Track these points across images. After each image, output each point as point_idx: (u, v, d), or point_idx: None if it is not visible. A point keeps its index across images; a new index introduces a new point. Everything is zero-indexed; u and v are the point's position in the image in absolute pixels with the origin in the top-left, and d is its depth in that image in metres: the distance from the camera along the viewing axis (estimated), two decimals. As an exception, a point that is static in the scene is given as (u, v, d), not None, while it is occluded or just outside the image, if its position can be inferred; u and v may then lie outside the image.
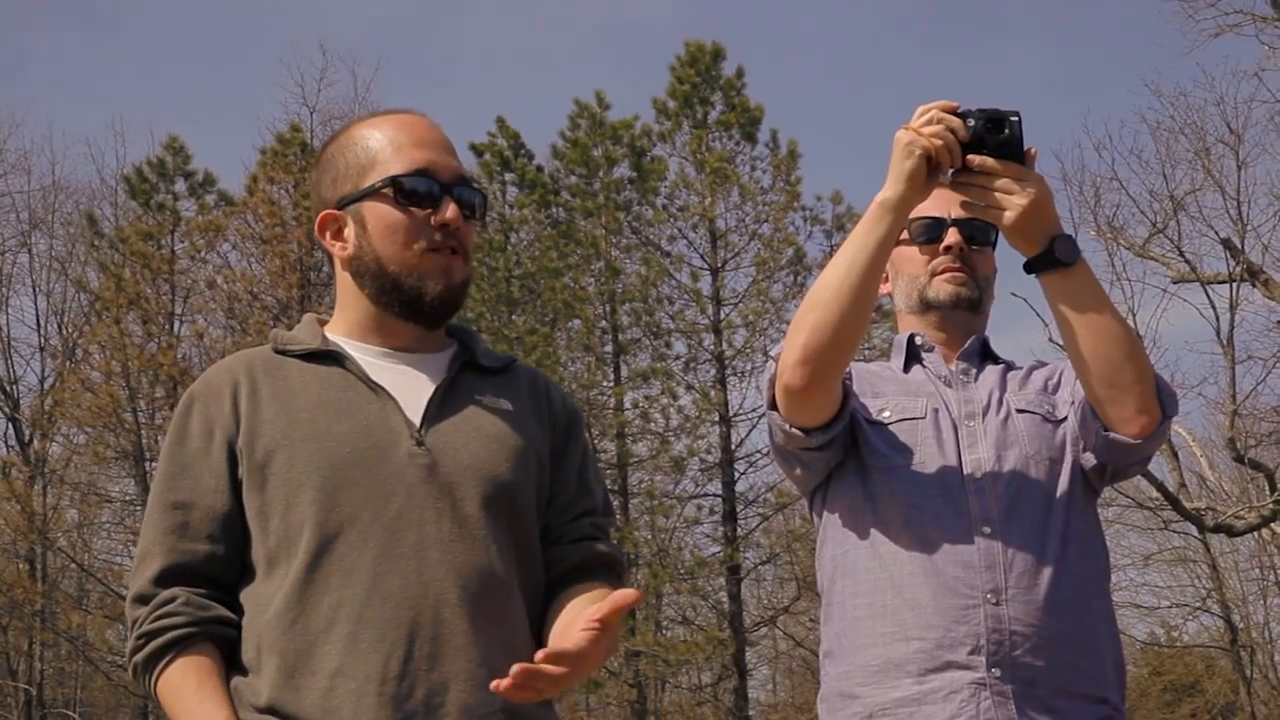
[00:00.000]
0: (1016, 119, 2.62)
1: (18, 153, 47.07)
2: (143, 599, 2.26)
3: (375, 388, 2.33)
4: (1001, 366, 3.03)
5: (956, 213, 2.94)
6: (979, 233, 3.00)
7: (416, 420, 2.32)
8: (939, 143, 2.61)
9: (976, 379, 2.97)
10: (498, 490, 2.31)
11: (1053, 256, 2.66)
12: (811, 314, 2.68)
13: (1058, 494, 2.82)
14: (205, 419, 2.33)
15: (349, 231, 2.40)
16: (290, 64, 42.59)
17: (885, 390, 2.96)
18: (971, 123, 2.62)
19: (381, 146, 2.40)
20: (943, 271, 3.00)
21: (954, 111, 2.64)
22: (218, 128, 52.64)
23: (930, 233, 3.01)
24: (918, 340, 3.03)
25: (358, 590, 2.19)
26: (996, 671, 2.68)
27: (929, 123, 2.63)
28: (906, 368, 3.02)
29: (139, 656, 2.24)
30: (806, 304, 2.70)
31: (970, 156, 2.63)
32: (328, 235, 2.43)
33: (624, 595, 2.05)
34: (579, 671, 2.09)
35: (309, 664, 2.17)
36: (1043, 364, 3.08)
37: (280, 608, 2.20)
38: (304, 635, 2.18)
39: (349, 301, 2.44)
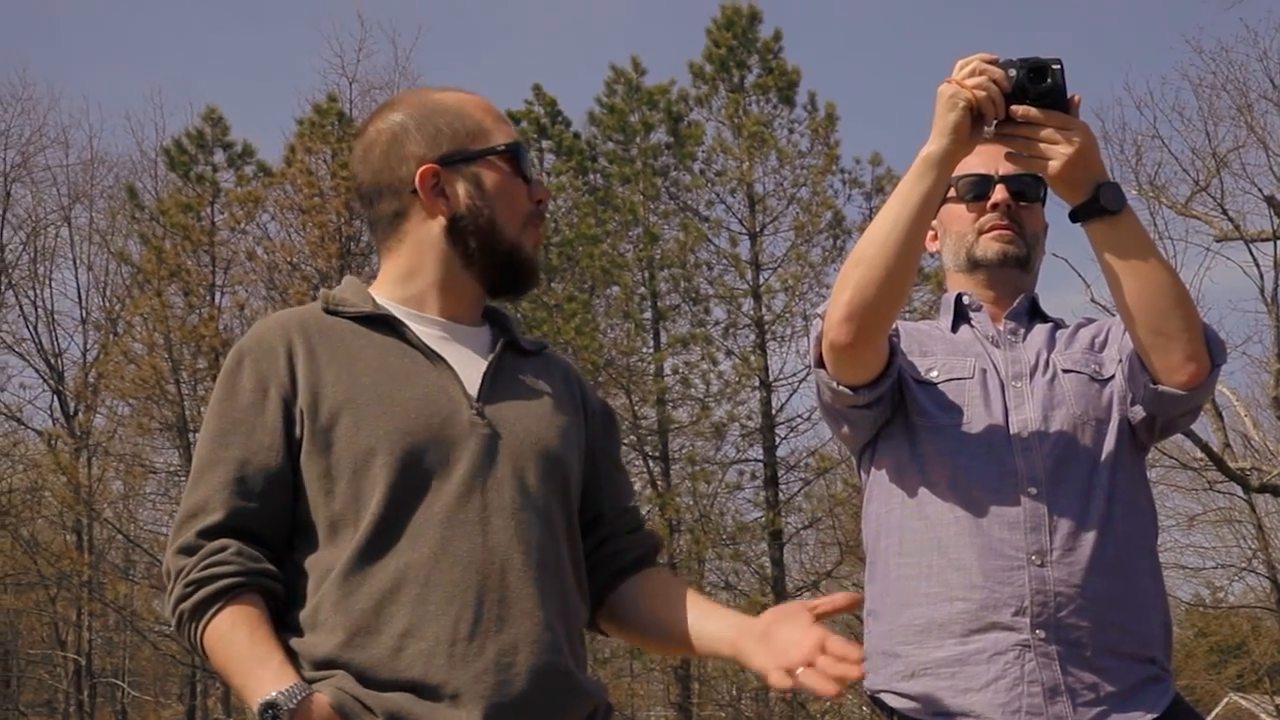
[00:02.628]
0: (1058, 67, 2.60)
1: (57, 127, 47.46)
2: (189, 550, 2.25)
3: (433, 356, 2.35)
4: (1050, 325, 3.00)
5: (1005, 169, 2.91)
6: (1028, 189, 2.97)
7: (474, 392, 2.34)
8: (982, 94, 2.59)
9: (1024, 339, 2.95)
10: (552, 464, 2.35)
11: (1098, 205, 2.63)
12: (856, 270, 2.66)
13: (1104, 455, 2.81)
14: (258, 375, 2.32)
15: (458, 189, 2.42)
16: (329, 34, 42.69)
17: (933, 350, 2.95)
18: (1013, 73, 2.60)
19: (483, 117, 2.46)
20: (990, 229, 2.97)
21: (995, 62, 2.62)
22: (256, 99, 52.81)
23: (977, 189, 2.98)
24: (965, 300, 3.01)
25: (424, 553, 2.21)
26: (1041, 633, 2.68)
27: (971, 74, 2.61)
28: (954, 327, 3.00)
29: (186, 604, 2.22)
30: (851, 260, 2.69)
31: (1014, 107, 2.61)
32: (427, 190, 2.42)
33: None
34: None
35: (375, 624, 2.18)
36: (1090, 320, 3.06)
37: (346, 569, 2.21)
38: (369, 597, 2.19)
39: (425, 262, 2.44)
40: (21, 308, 31.12)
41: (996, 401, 2.84)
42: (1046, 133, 2.61)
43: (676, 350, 24.45)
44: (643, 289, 24.95)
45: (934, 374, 2.89)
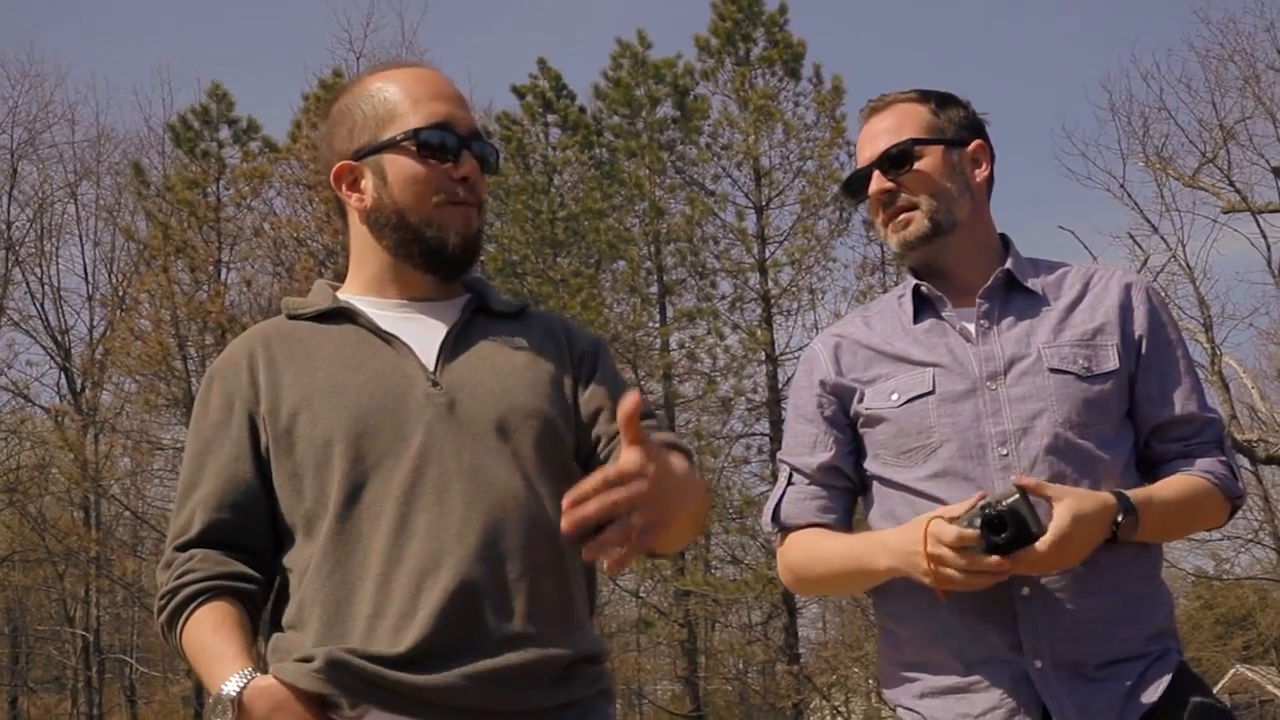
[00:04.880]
0: (1010, 505, 2.48)
1: (64, 104, 47.42)
2: (166, 565, 2.32)
3: (388, 338, 2.35)
4: (1032, 299, 2.81)
5: (875, 148, 2.83)
6: (900, 154, 2.82)
7: (430, 364, 2.34)
8: (952, 579, 2.53)
9: (999, 323, 2.77)
10: (517, 418, 2.32)
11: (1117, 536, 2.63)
12: (791, 576, 2.90)
13: (1095, 464, 2.67)
14: (224, 393, 2.37)
15: (367, 183, 2.41)
16: (337, 9, 42.48)
17: (889, 364, 2.80)
18: (977, 523, 2.49)
19: (399, 99, 2.41)
20: (885, 223, 2.85)
21: (956, 519, 2.52)
22: (266, 74, 52.77)
23: (859, 189, 2.87)
24: (924, 290, 2.84)
25: (384, 533, 2.21)
26: (1038, 662, 2.60)
27: (940, 562, 2.52)
28: (917, 317, 2.84)
29: (163, 616, 2.30)
30: (787, 564, 2.89)
31: (988, 561, 2.49)
32: (344, 187, 2.43)
33: (628, 399, 1.95)
34: (648, 496, 1.96)
35: (349, 611, 2.20)
36: (1085, 280, 2.86)
37: (318, 561, 2.23)
38: (341, 585, 2.21)
39: (365, 254, 2.45)
40: (28, 284, 31.21)
41: (967, 413, 2.71)
42: (1032, 563, 2.53)
43: (683, 325, 24.45)
44: (649, 263, 24.95)
45: (894, 397, 2.75)
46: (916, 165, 2.81)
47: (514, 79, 25.89)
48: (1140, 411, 2.77)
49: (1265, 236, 22.00)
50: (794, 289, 24.18)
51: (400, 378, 2.31)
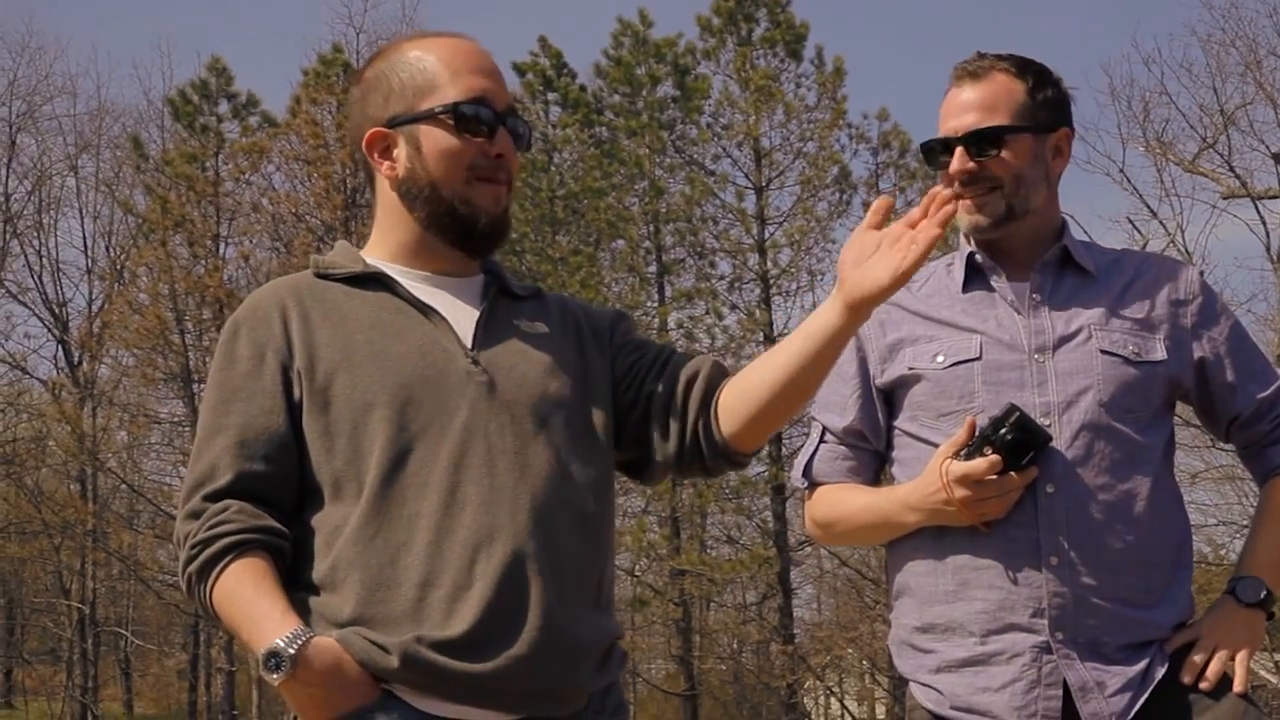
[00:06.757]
0: (1015, 420, 2.61)
1: (64, 76, 47.35)
2: (194, 514, 2.26)
3: (426, 309, 2.36)
4: (1085, 279, 2.83)
5: (965, 123, 2.77)
6: (989, 138, 2.76)
7: (467, 341, 2.35)
8: (980, 515, 2.66)
9: (1052, 299, 2.79)
10: (551, 406, 2.35)
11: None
12: (820, 530, 2.99)
13: (1130, 447, 2.69)
14: (254, 342, 2.34)
15: (400, 152, 2.40)
16: (337, -17, 42.25)
17: (937, 326, 2.81)
18: (989, 451, 2.62)
19: (439, 70, 2.40)
20: (959, 199, 2.77)
21: (971, 447, 2.65)
22: (265, 49, 52.64)
23: (938, 159, 2.81)
24: (978, 259, 2.84)
25: (434, 501, 2.22)
26: (1060, 634, 2.63)
27: (972, 499, 2.64)
28: (967, 285, 2.84)
29: (193, 566, 2.24)
30: (816, 520, 2.98)
31: (1017, 481, 2.64)
32: (375, 154, 2.42)
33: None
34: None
35: (393, 576, 2.20)
36: (1137, 268, 2.88)
37: (357, 524, 2.22)
38: (384, 549, 2.21)
39: (394, 223, 2.44)
40: (26, 257, 31.24)
41: (1011, 383, 2.72)
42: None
43: (681, 304, 24.45)
44: (648, 243, 24.93)
45: (940, 359, 2.77)
46: (1003, 152, 2.77)
47: (515, 56, 25.80)
48: (1221, 400, 2.83)
49: (1264, 222, 22.01)
50: (793, 270, 24.18)
51: (440, 351, 2.32)
